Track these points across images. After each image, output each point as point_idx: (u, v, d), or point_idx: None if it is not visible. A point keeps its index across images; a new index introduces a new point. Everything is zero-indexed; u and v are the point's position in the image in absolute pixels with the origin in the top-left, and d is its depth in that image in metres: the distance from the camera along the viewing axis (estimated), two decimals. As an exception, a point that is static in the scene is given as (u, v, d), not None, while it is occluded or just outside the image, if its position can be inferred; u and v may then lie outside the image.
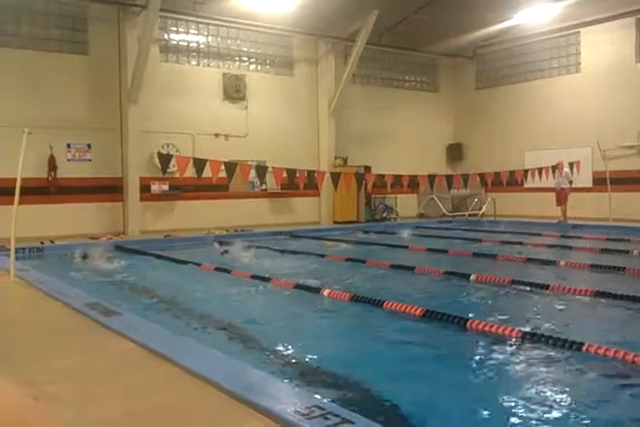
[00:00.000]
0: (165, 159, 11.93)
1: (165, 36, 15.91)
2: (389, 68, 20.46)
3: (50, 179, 13.81)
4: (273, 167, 12.22)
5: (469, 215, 18.89)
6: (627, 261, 9.40)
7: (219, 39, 16.73)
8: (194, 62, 16.31)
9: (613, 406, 3.62)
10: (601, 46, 17.60)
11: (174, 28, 16.07)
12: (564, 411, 3.53)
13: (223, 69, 16.60)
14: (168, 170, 12.50)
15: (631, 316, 6.00)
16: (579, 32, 18.15)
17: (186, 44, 16.23)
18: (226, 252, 11.36)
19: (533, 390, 3.87)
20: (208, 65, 16.48)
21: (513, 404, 3.65)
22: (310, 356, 4.66)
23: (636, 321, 5.87)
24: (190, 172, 11.29)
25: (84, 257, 10.50)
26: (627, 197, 16.45)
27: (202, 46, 16.47)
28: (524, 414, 3.48)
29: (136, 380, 3.65)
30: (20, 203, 7.49)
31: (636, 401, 3.73)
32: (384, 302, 6.23)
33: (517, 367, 4.38)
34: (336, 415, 2.84)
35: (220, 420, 3.02)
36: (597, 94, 17.52)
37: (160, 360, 3.95)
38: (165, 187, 15.22)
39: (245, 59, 17.20)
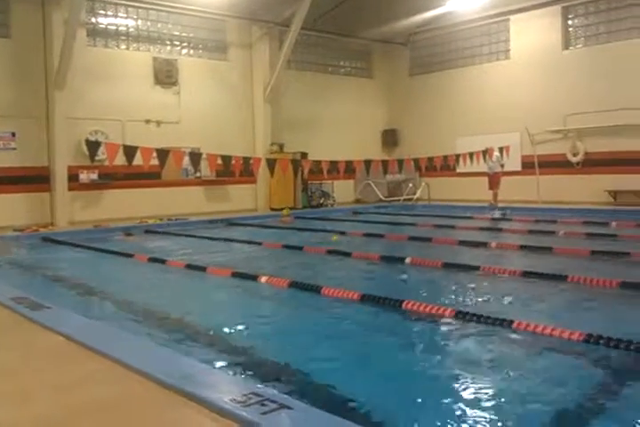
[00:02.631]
0: (94, 147, 11.55)
1: (93, 20, 15.33)
2: (325, 54, 20.45)
3: (-28, 169, 13.19)
4: (207, 154, 12.03)
5: (404, 200, 19.19)
6: (554, 241, 9.76)
7: (149, 23, 16.27)
8: (123, 46, 15.80)
9: (542, 380, 3.75)
10: (529, 33, 18.11)
11: (102, 12, 15.52)
12: (496, 386, 3.65)
13: (154, 54, 16.17)
14: (97, 158, 12.14)
15: (557, 293, 6.24)
16: (508, 19, 18.60)
17: (115, 27, 15.70)
18: (129, 234, 11.49)
19: (467, 367, 3.97)
20: (138, 49, 16.01)
21: (448, 381, 3.74)
22: (248, 343, 4.63)
23: (562, 298, 6.11)
24: (120, 159, 11.00)
25: (10, 250, 10.08)
26: (554, 179, 17.08)
27: (131, 30, 15.97)
28: (457, 390, 3.57)
29: (69, 374, 3.54)
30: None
31: (564, 374, 3.88)
32: (322, 287, 6.25)
33: (452, 345, 4.50)
34: (273, 402, 2.82)
35: (155, 411, 2.96)
36: (526, 81, 18.04)
37: (92, 354, 3.83)
38: (94, 175, 14.76)
39: (177, 43, 16.81)
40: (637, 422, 3.13)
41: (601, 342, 4.23)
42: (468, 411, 3.27)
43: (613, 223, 11.99)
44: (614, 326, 4.85)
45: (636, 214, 13.27)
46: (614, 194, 16.10)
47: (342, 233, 11.87)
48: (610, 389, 3.63)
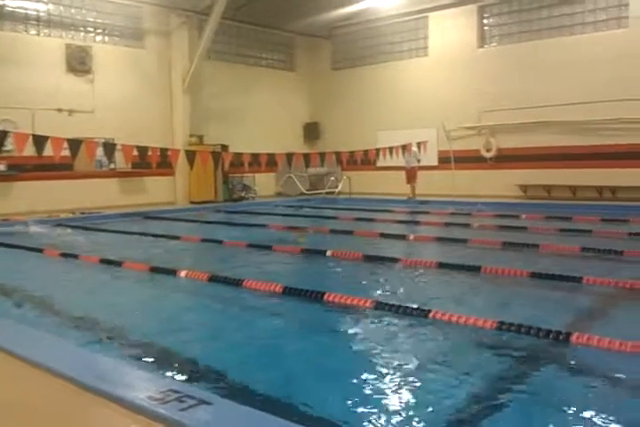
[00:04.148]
0: (1, 136, 10.92)
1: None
2: (246, 45, 20.22)
3: None
4: (122, 145, 11.64)
5: (326, 193, 19.34)
6: (468, 233, 10.11)
7: (61, 8, 15.52)
8: (33, 31, 15.01)
9: (458, 365, 3.87)
10: (447, 31, 18.60)
11: (9, -6, 14.68)
12: (415, 373, 3.73)
13: (66, 40, 15.44)
14: (5, 148, 11.54)
15: (472, 283, 6.47)
16: (427, 17, 19.01)
17: (23, 11, 14.86)
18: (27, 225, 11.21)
19: (387, 356, 4.05)
20: (49, 35, 15.25)
21: (369, 371, 3.79)
22: (166, 339, 4.52)
23: (476, 288, 6.33)
24: (30, 150, 10.46)
25: None
26: (468, 174, 17.69)
27: (42, 14, 15.17)
28: (379, 379, 3.63)
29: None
30: None
31: (478, 358, 4.03)
32: (243, 280, 6.20)
33: (372, 335, 4.57)
34: (192, 397, 2.76)
35: (70, 412, 2.85)
36: (443, 78, 18.53)
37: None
38: (2, 167, 13.99)
39: (91, 29, 16.14)
40: (545, 408, 3.28)
41: (512, 329, 4.42)
42: (381, 400, 3.34)
43: (523, 216, 12.55)
44: (525, 313, 5.07)
45: (545, 207, 13.96)
46: (524, 188, 16.85)
47: (264, 226, 11.82)
48: (520, 374, 3.79)
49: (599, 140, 15.72)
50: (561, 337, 4.21)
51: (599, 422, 3.03)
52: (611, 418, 3.06)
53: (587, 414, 3.13)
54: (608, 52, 15.34)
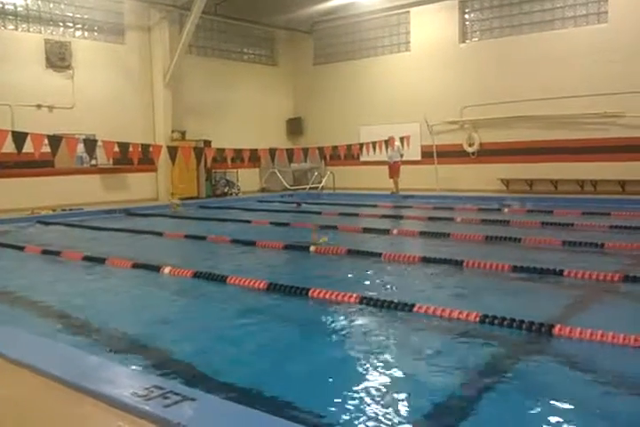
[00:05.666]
0: (-21, 133, 10.76)
1: (-25, -3, 14.26)
2: (227, 40, 20.11)
3: None
4: (103, 141, 11.53)
5: (310, 188, 19.33)
6: (451, 227, 10.15)
7: (39, 2, 15.31)
8: (10, 27, 14.79)
9: (442, 357, 3.90)
10: (428, 26, 18.62)
11: (-14, -12, 14.45)
12: (401, 365, 3.75)
13: (45, 35, 15.25)
14: (-17, 145, 11.33)
15: (455, 277, 6.51)
16: (409, 12, 19.02)
17: (0, 5, 14.63)
18: None
19: (374, 349, 4.06)
20: (28, 30, 15.04)
21: (356, 364, 3.82)
22: (151, 337, 4.51)
23: (459, 281, 6.37)
24: (9, 147, 10.32)
25: None
26: (451, 168, 17.77)
27: (20, 9, 14.96)
28: (367, 372, 3.65)
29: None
30: None
31: (461, 351, 4.05)
32: (227, 277, 6.18)
33: (357, 329, 4.58)
34: (176, 394, 2.75)
35: (53, 410, 2.83)
36: (425, 72, 18.57)
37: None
38: (-19, 164, 13.82)
39: (71, 24, 15.94)
40: (527, 398, 3.31)
41: (495, 322, 4.46)
42: (367, 392, 3.35)
43: (506, 210, 12.63)
44: (507, 306, 5.11)
45: (527, 201, 14.05)
46: (507, 182, 16.97)
47: (248, 222, 11.79)
48: (503, 366, 3.82)
49: (581, 134, 15.85)
50: (543, 329, 4.26)
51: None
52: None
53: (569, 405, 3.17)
54: (588, 46, 15.47)
